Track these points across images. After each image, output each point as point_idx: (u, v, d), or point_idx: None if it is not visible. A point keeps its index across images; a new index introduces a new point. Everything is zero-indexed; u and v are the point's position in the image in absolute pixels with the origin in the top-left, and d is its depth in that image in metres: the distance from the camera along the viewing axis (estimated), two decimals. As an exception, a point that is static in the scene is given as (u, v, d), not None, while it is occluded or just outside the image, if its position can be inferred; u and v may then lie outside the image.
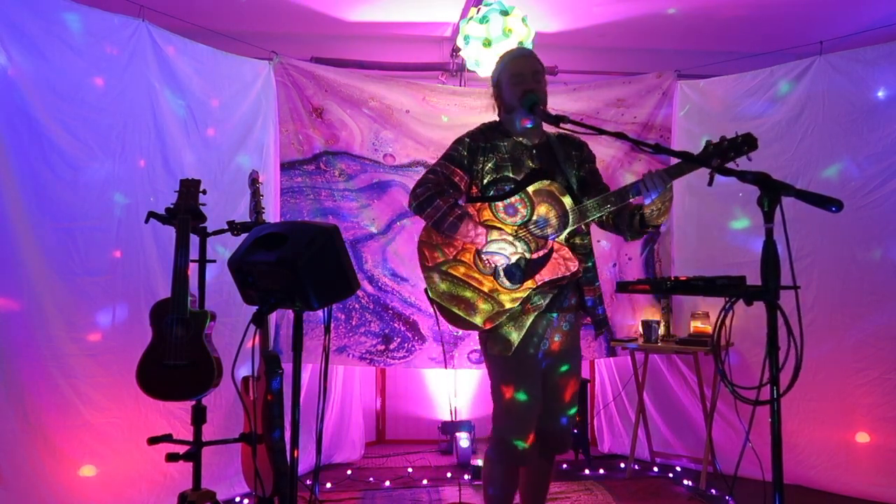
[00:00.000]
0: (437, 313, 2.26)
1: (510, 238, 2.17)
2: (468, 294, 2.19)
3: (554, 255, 2.17)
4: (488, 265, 2.19)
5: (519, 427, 2.18)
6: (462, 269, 2.21)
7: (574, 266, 2.16)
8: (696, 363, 3.59)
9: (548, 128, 2.34)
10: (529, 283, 2.16)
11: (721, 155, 1.96)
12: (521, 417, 2.18)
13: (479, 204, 2.23)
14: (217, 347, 2.57)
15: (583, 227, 2.25)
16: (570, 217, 2.16)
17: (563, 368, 2.29)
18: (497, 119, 2.38)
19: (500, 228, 2.19)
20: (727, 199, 3.74)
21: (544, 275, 2.16)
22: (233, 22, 3.84)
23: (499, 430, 2.22)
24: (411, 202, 2.24)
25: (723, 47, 4.17)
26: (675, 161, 2.04)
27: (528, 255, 2.17)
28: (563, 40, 4.20)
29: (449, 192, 2.23)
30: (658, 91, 4.03)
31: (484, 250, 2.17)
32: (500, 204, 2.19)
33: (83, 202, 2.89)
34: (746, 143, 1.96)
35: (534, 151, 2.27)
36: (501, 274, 2.17)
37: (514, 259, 2.17)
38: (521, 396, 2.17)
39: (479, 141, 2.26)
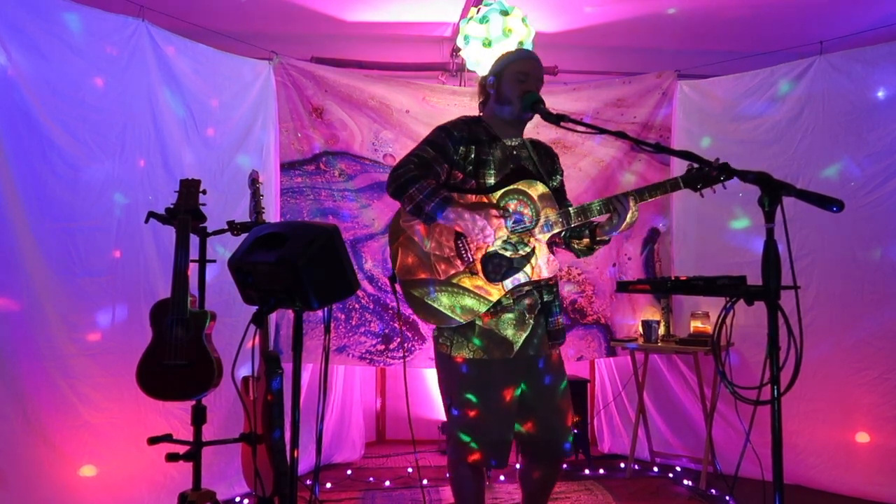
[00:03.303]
0: (402, 299, 2.16)
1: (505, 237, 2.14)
2: (469, 302, 2.10)
3: (544, 254, 2.15)
4: (480, 246, 2.09)
5: (509, 427, 2.16)
6: (466, 280, 2.10)
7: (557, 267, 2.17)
8: (696, 363, 3.59)
9: (525, 134, 2.32)
10: (525, 278, 2.12)
11: (703, 180, 2.02)
12: (510, 419, 2.16)
13: (479, 198, 2.16)
14: (217, 347, 2.57)
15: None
16: (572, 215, 2.13)
17: (563, 386, 2.25)
18: (478, 114, 2.32)
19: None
20: (727, 198, 3.71)
21: (543, 273, 2.15)
22: (233, 22, 3.84)
23: (477, 434, 2.13)
24: (390, 184, 2.09)
25: (723, 47, 4.17)
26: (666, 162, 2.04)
27: (519, 252, 2.13)
28: (563, 40, 4.20)
29: (430, 175, 2.10)
30: (658, 91, 4.04)
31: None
32: (509, 217, 2.13)
33: (83, 202, 2.88)
34: (723, 172, 1.93)
35: (514, 152, 2.24)
36: (490, 268, 2.10)
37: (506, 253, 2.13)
38: (518, 393, 2.16)
39: (462, 131, 2.19)
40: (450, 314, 2.10)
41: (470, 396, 2.13)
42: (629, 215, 2.08)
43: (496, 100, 2.24)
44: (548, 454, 2.25)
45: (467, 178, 2.16)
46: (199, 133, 3.35)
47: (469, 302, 2.10)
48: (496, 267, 2.10)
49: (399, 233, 2.19)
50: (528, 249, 2.14)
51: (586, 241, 2.23)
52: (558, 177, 2.35)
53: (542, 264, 2.15)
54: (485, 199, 2.14)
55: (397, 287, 2.20)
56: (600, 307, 4.03)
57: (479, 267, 2.10)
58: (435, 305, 2.11)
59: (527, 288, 2.15)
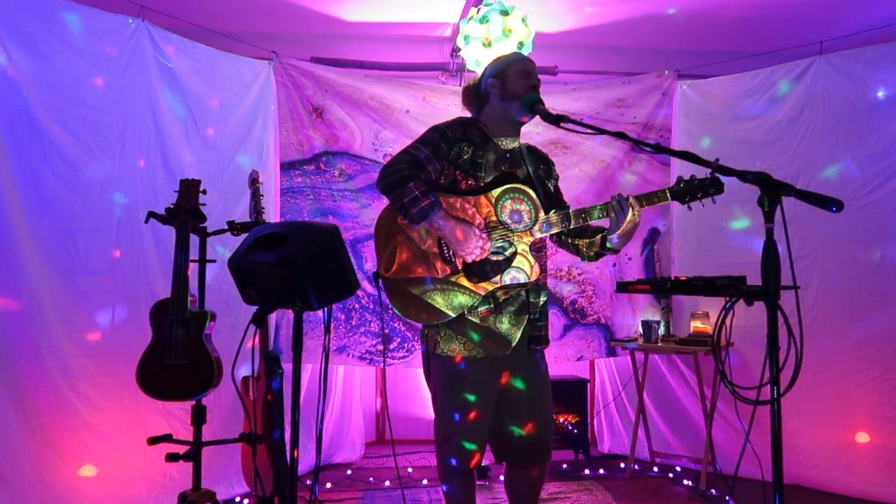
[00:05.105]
0: (388, 301, 2.16)
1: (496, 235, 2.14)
2: (462, 298, 2.11)
3: (531, 254, 2.14)
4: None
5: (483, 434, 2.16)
6: (461, 277, 2.12)
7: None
8: (696, 363, 3.59)
9: (524, 133, 2.32)
10: (525, 278, 2.12)
11: (690, 193, 2.18)
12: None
13: (475, 199, 2.15)
14: (217, 347, 2.57)
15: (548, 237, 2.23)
16: (572, 218, 2.14)
17: (548, 387, 2.27)
18: (474, 117, 2.31)
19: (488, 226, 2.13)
20: (727, 199, 3.70)
21: (541, 273, 2.15)
22: (233, 22, 3.84)
23: (457, 436, 2.14)
24: (380, 180, 2.12)
25: (723, 47, 4.17)
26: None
27: (505, 253, 2.13)
28: (563, 40, 4.20)
29: (421, 176, 2.12)
30: (658, 91, 4.04)
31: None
32: (506, 210, 2.13)
33: (83, 202, 2.89)
34: (713, 186, 2.14)
35: (507, 155, 2.23)
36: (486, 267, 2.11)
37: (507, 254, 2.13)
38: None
39: (455, 132, 2.19)
40: (443, 310, 2.09)
41: (469, 396, 2.13)
42: (629, 215, 2.08)
43: (501, 98, 2.22)
44: (539, 455, 2.24)
45: (460, 178, 2.16)
46: (199, 133, 3.35)
47: (462, 298, 2.09)
48: (479, 269, 2.10)
49: (397, 230, 2.18)
50: (511, 251, 2.13)
51: (596, 248, 2.22)
52: (553, 181, 2.35)
53: (532, 266, 2.14)
54: (472, 199, 2.14)
55: (380, 284, 2.21)
56: (600, 307, 4.03)
57: (461, 269, 2.11)
58: (430, 301, 2.10)
59: (518, 288, 2.15)
